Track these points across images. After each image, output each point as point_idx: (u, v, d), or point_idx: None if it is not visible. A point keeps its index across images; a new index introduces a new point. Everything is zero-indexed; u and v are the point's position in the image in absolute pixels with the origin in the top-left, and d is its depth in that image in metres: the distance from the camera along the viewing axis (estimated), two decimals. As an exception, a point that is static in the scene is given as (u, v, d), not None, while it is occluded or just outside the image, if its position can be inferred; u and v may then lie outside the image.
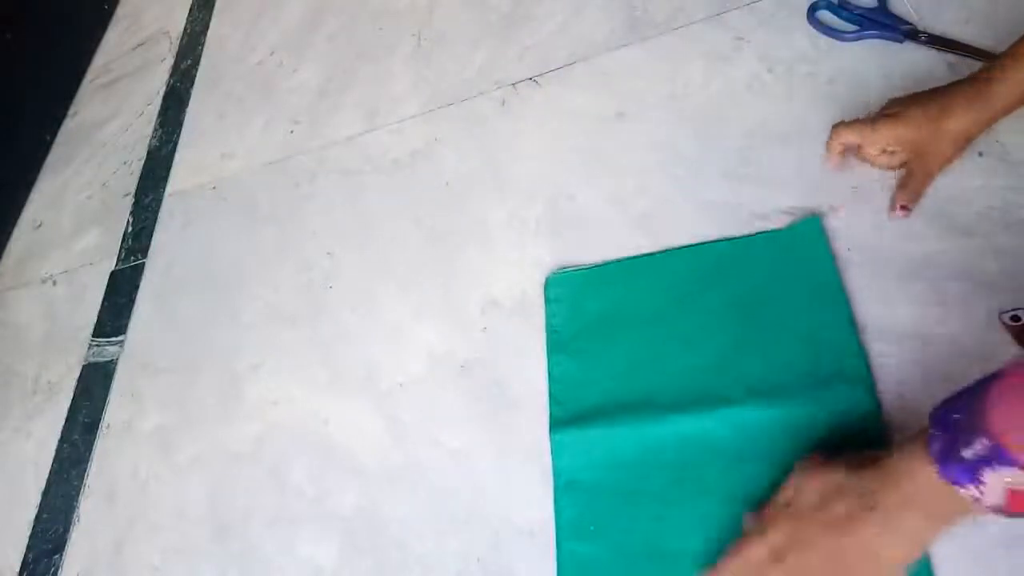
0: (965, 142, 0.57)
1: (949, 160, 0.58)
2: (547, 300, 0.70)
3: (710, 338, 0.61)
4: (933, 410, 0.42)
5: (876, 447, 0.50)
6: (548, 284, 0.70)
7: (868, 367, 0.55)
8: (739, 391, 0.58)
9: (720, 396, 0.58)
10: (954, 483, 0.39)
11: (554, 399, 0.64)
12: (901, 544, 0.43)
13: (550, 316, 0.69)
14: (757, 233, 0.64)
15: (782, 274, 0.62)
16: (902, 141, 0.58)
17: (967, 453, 0.38)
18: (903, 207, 0.59)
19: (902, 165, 0.60)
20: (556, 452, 0.62)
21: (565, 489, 0.60)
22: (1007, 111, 0.55)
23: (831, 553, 0.44)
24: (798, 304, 0.60)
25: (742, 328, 0.61)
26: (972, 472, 0.38)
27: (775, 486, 0.51)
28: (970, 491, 0.38)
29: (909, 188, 0.59)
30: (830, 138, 0.62)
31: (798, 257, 0.61)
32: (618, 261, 0.69)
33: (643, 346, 0.63)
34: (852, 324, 0.57)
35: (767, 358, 0.59)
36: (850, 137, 0.61)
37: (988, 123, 0.56)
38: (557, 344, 0.67)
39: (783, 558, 0.46)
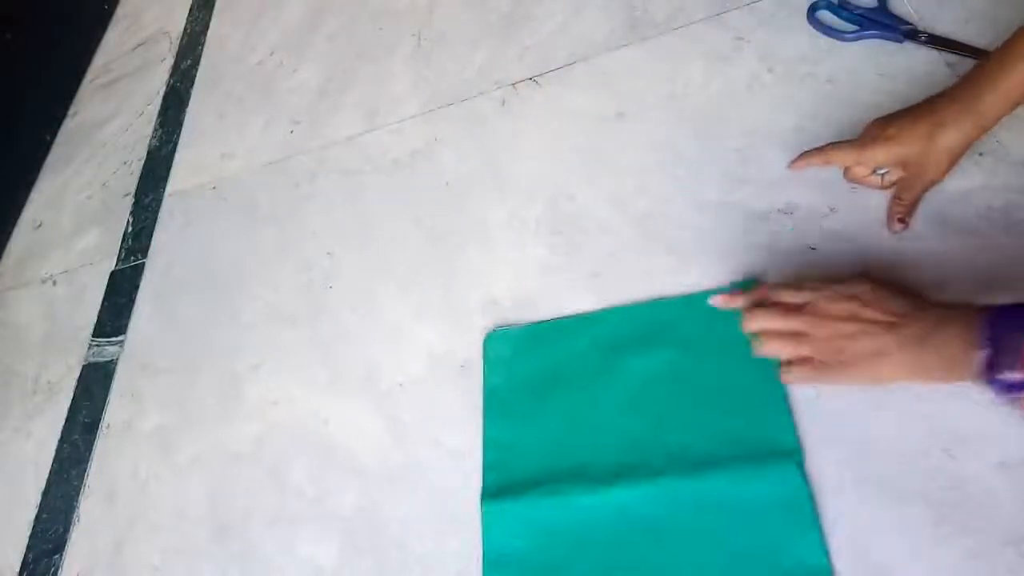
0: (960, 154, 0.56)
1: (944, 174, 0.57)
2: (485, 360, 0.68)
3: (644, 403, 0.60)
4: (993, 310, 0.46)
5: (802, 525, 0.52)
6: (487, 342, 0.69)
7: (798, 441, 0.55)
8: (670, 461, 0.57)
9: (651, 466, 0.57)
10: (989, 386, 0.45)
11: (488, 467, 0.63)
12: (907, 372, 0.50)
13: (488, 375, 0.67)
14: (699, 292, 0.63)
15: (719, 337, 0.60)
16: (896, 161, 0.58)
17: (1007, 375, 0.43)
18: (900, 220, 0.59)
19: (894, 183, 0.60)
20: (487, 524, 0.60)
21: (495, 564, 0.59)
22: (997, 119, 0.55)
23: (868, 342, 0.51)
24: (734, 369, 0.59)
25: (676, 393, 0.60)
26: (1008, 388, 0.44)
27: (707, 563, 0.53)
28: (1001, 396, 0.45)
29: (906, 202, 0.59)
30: (816, 153, 0.61)
31: (734, 322, 0.59)
32: (557, 320, 0.68)
33: (578, 410, 0.62)
34: (785, 398, 0.56)
35: (700, 427, 0.58)
36: (842, 160, 0.61)
37: (980, 134, 0.55)
38: (494, 406, 0.66)
39: (827, 319, 0.52)
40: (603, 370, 0.63)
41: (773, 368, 0.56)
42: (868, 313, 0.51)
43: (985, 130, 0.55)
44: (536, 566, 0.57)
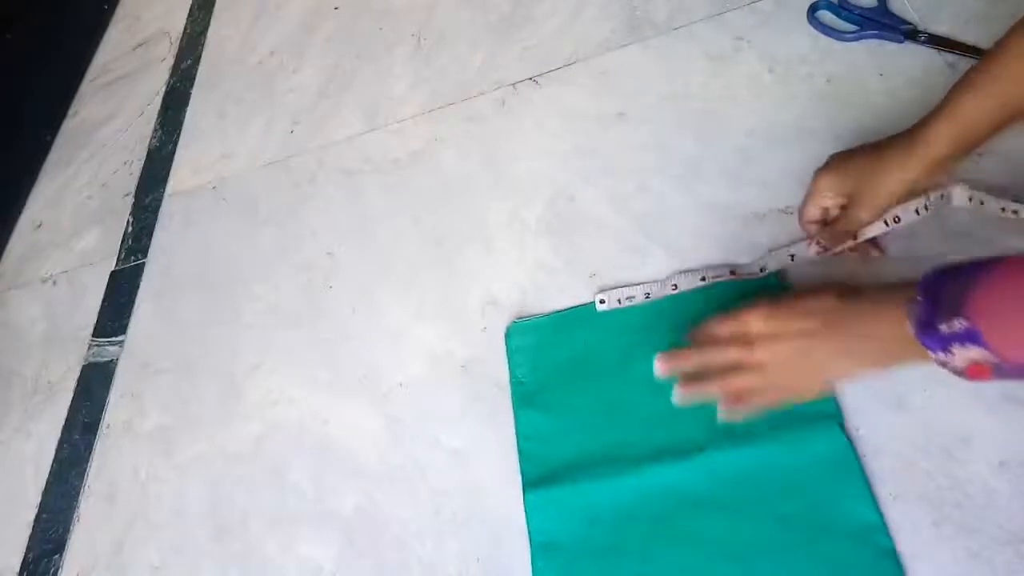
0: (898, 194, 0.55)
1: (881, 211, 0.57)
2: (509, 350, 0.68)
3: (676, 380, 0.59)
4: (925, 274, 0.44)
5: (848, 484, 0.53)
6: (509, 333, 0.69)
7: (838, 405, 0.55)
8: (710, 435, 0.57)
9: (693, 443, 0.57)
10: (923, 345, 0.43)
11: (525, 457, 0.63)
12: (847, 367, 0.50)
13: (514, 367, 0.67)
14: (716, 282, 0.63)
15: (738, 289, 0.61)
16: (837, 190, 0.57)
17: (943, 327, 0.41)
18: (819, 244, 0.59)
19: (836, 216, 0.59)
20: (530, 513, 0.60)
21: (541, 551, 0.59)
22: (945, 159, 0.54)
23: (794, 352, 0.51)
24: None
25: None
26: (944, 343, 0.42)
27: (757, 532, 0.53)
28: (937, 355, 0.43)
29: (836, 231, 0.58)
30: (803, 221, 0.60)
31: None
32: (578, 307, 0.68)
33: (609, 393, 0.62)
34: None
35: None
36: (811, 211, 0.59)
37: (920, 178, 0.54)
38: (523, 397, 0.65)
39: (758, 342, 0.52)
40: (630, 351, 0.63)
41: None
42: (794, 325, 0.51)
43: (935, 170, 0.54)
44: (585, 550, 0.57)
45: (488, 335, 0.71)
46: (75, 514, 0.79)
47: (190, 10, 1.26)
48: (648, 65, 0.80)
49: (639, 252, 0.69)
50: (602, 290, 0.67)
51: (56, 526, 0.80)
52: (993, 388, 0.45)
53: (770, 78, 0.73)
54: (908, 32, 0.69)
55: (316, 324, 0.80)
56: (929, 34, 0.68)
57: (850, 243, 0.59)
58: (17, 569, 0.79)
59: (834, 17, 0.74)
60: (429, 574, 0.62)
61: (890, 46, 0.70)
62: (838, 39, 0.72)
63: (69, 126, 1.23)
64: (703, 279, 0.63)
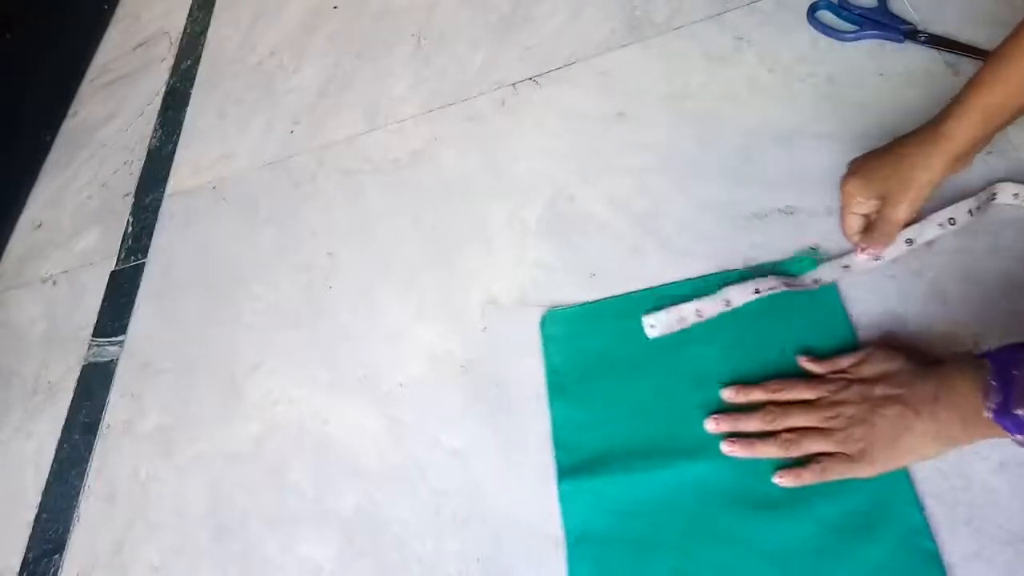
0: (928, 190, 0.55)
1: (916, 209, 0.56)
2: (544, 339, 0.67)
3: (719, 373, 0.59)
4: (994, 353, 0.45)
5: (890, 486, 0.51)
6: (544, 322, 0.68)
7: None
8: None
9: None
10: (1003, 427, 0.44)
11: (560, 446, 0.62)
12: (929, 446, 0.49)
13: (549, 356, 0.67)
14: (757, 264, 0.63)
15: (790, 301, 0.60)
16: (866, 195, 0.57)
17: (1021, 412, 0.42)
18: (863, 249, 0.59)
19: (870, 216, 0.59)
20: (565, 503, 0.60)
21: (577, 542, 0.58)
22: (970, 152, 0.54)
23: (871, 425, 0.50)
24: (807, 330, 0.59)
25: (751, 361, 0.59)
26: (1022, 428, 0.43)
27: (797, 532, 0.52)
28: (1015, 437, 0.44)
29: (878, 235, 0.58)
30: (847, 235, 0.60)
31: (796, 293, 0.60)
32: (614, 297, 0.67)
33: (648, 387, 0.61)
34: (856, 342, 0.57)
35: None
36: (851, 223, 0.59)
37: (947, 172, 0.54)
38: (558, 386, 0.65)
39: (831, 410, 0.52)
40: (669, 343, 0.62)
41: (843, 326, 0.57)
42: (879, 391, 0.51)
43: (958, 164, 0.54)
44: (620, 541, 0.57)
45: (488, 335, 0.71)
46: (75, 514, 0.79)
47: (190, 10, 1.26)
48: (648, 65, 0.80)
49: (639, 252, 0.69)
50: (649, 312, 0.64)
51: (56, 526, 0.80)
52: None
53: (770, 78, 0.73)
54: (908, 32, 0.69)
55: (316, 324, 0.80)
56: (929, 34, 0.68)
57: (906, 248, 0.58)
58: (17, 569, 0.79)
59: (834, 17, 0.73)
60: (429, 574, 0.62)
61: (890, 46, 0.70)
62: (838, 39, 0.72)
63: (69, 126, 1.23)
64: (756, 291, 0.61)
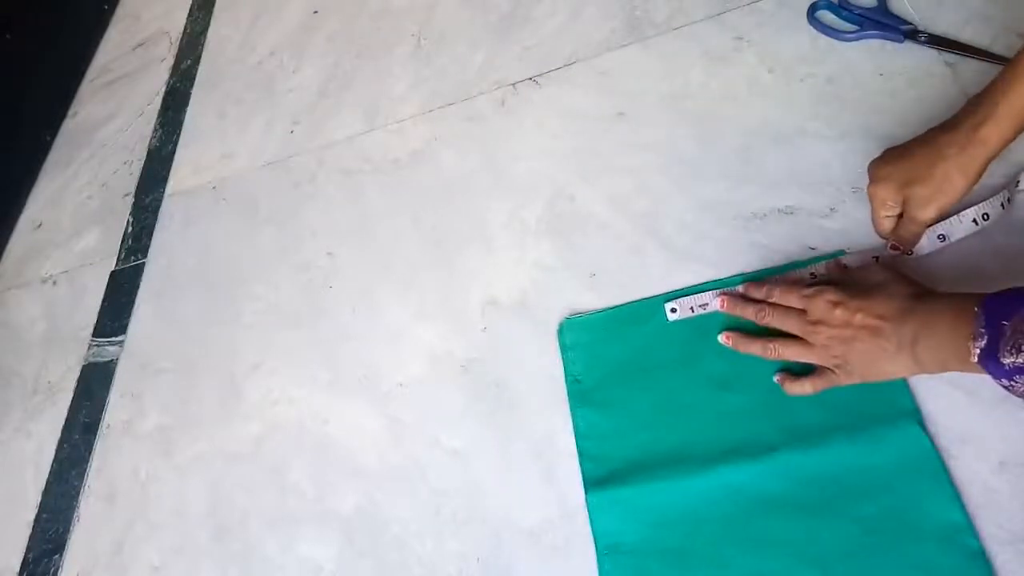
0: (963, 195, 0.55)
1: (942, 212, 0.56)
2: (563, 347, 0.66)
3: (746, 378, 0.59)
4: (990, 302, 0.45)
5: (934, 484, 0.51)
6: (562, 330, 0.67)
7: (915, 402, 0.54)
8: (784, 435, 0.56)
9: (765, 443, 0.56)
10: (988, 372, 0.44)
11: (585, 456, 0.61)
12: (907, 370, 0.51)
13: (568, 364, 0.65)
14: (785, 264, 0.62)
15: None
16: (896, 199, 0.57)
17: (1007, 361, 0.42)
18: (895, 248, 0.59)
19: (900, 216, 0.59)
20: (594, 514, 0.58)
21: (607, 553, 0.57)
22: (1000, 150, 0.54)
23: (859, 349, 0.52)
24: None
25: (777, 364, 0.58)
26: (1008, 374, 0.43)
27: (837, 535, 0.52)
28: (1000, 381, 0.44)
29: (905, 233, 0.58)
30: (880, 235, 0.60)
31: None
32: (635, 302, 0.66)
33: (674, 392, 0.60)
34: None
35: (811, 397, 0.56)
36: (883, 224, 0.59)
37: (985, 165, 0.54)
38: (580, 395, 0.63)
39: (822, 325, 0.54)
40: (693, 347, 0.62)
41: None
42: (859, 319, 0.52)
43: (989, 159, 0.54)
44: (655, 552, 0.56)
45: (488, 335, 0.71)
46: (75, 514, 0.79)
47: (190, 10, 1.26)
48: (648, 65, 0.80)
49: (639, 252, 0.69)
50: (672, 298, 0.64)
51: (56, 526, 0.80)
52: (992, 388, 0.45)
53: (770, 78, 0.73)
54: (908, 32, 0.69)
55: (316, 324, 0.80)
56: (929, 34, 0.68)
57: (939, 244, 0.58)
58: (17, 569, 0.79)
59: (834, 17, 0.74)
60: (429, 574, 0.62)
61: (890, 46, 0.70)
62: (838, 39, 0.72)
63: (69, 126, 1.23)
64: None
